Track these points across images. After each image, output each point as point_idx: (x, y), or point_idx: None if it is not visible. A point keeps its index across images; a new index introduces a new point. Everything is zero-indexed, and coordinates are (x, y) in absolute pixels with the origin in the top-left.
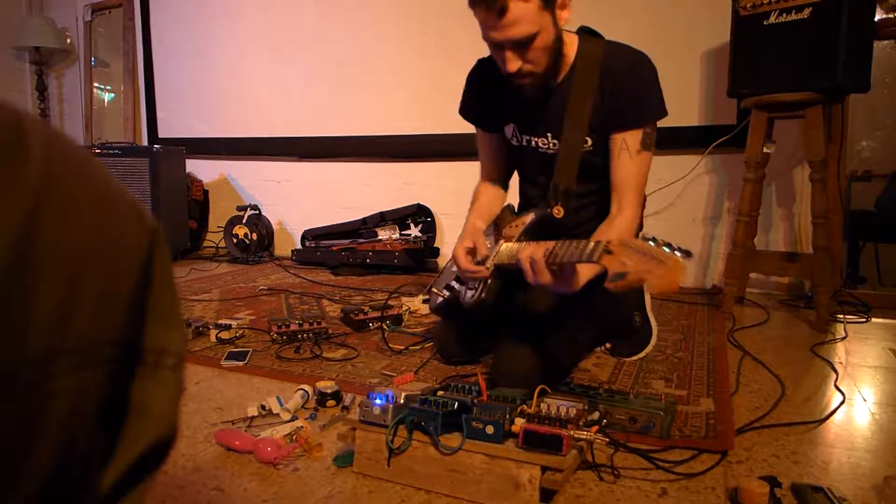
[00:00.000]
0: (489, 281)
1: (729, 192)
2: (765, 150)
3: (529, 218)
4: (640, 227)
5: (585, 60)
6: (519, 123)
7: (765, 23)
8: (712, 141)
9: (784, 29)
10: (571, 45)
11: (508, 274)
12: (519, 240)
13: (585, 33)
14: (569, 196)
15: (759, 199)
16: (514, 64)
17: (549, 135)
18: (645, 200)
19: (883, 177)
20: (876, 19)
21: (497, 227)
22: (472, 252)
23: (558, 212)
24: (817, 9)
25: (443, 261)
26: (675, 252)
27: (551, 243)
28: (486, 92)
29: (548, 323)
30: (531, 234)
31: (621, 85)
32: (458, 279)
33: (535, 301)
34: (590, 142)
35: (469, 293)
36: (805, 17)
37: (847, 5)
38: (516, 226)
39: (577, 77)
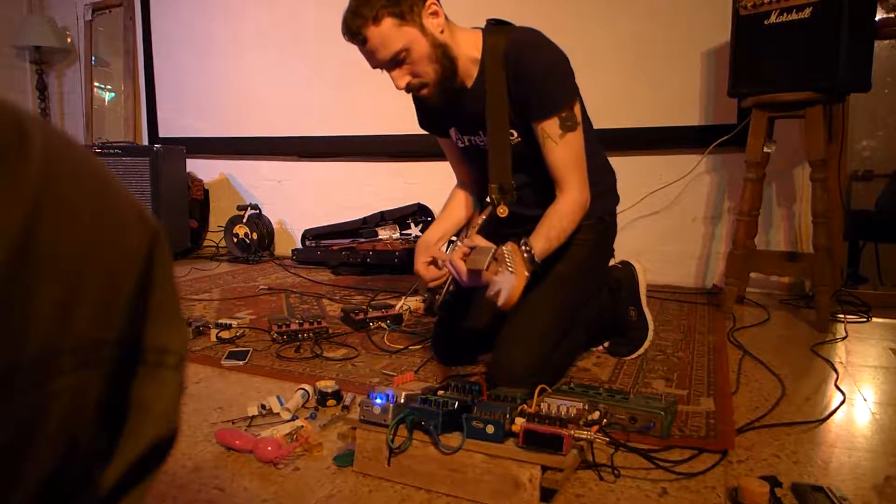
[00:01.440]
0: (449, 286)
1: (729, 191)
2: (765, 149)
3: (482, 218)
4: (616, 199)
5: (490, 55)
6: (457, 126)
7: (765, 22)
8: (713, 140)
9: (785, 28)
10: (474, 43)
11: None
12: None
13: (493, 25)
14: (507, 192)
15: (759, 198)
16: (401, 80)
17: (481, 132)
18: (614, 173)
19: (883, 176)
20: (877, 19)
21: (467, 225)
22: (434, 263)
23: (502, 211)
24: (818, 8)
25: None
26: (528, 265)
27: (475, 243)
28: (421, 102)
29: (532, 319)
30: (483, 232)
31: (522, 76)
32: (429, 289)
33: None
34: (515, 134)
35: (437, 297)
36: (806, 16)
37: (848, 5)
38: (474, 226)
39: (487, 73)
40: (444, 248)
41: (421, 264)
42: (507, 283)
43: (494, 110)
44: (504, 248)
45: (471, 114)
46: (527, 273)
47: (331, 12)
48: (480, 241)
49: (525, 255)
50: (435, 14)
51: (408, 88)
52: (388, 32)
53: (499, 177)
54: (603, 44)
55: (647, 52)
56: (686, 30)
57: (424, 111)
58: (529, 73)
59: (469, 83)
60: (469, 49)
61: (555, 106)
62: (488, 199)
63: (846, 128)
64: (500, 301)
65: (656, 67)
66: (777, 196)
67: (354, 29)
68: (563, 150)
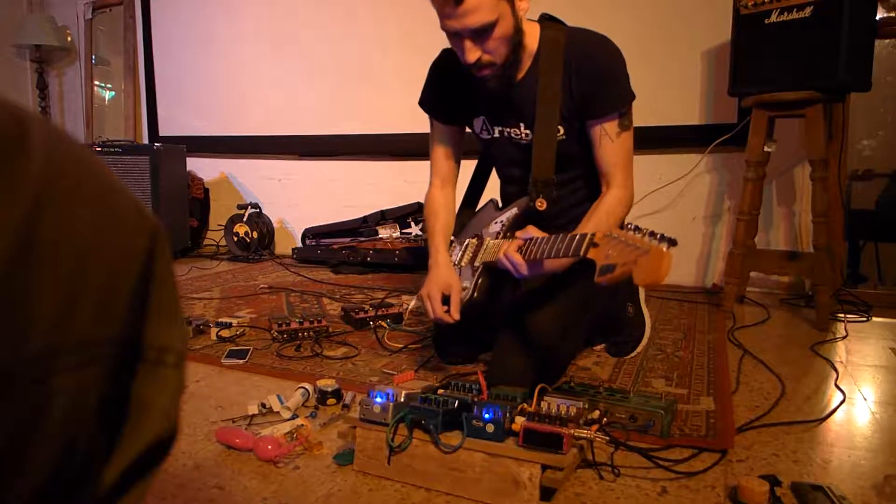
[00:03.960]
0: (479, 280)
1: (729, 190)
2: (765, 148)
3: (513, 212)
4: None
5: (548, 48)
6: (489, 115)
7: (766, 21)
8: (713, 140)
9: (785, 27)
10: (533, 34)
11: (497, 271)
12: (505, 236)
13: (547, 20)
14: (549, 187)
15: (759, 197)
16: (473, 54)
17: (521, 125)
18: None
19: (884, 176)
20: (877, 18)
21: (481, 222)
22: (446, 298)
23: (541, 204)
24: (818, 7)
25: None
26: (660, 241)
27: (531, 234)
28: (451, 83)
29: (538, 309)
30: (516, 228)
31: (586, 73)
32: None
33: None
34: (562, 130)
35: (463, 293)
36: (806, 15)
37: (848, 4)
38: (500, 222)
39: (541, 66)
40: (453, 253)
41: (437, 297)
42: (645, 262)
43: (546, 104)
44: (609, 231)
45: (515, 105)
46: (665, 248)
47: (331, 11)
48: (537, 232)
49: (646, 233)
50: None
51: (475, 64)
52: (488, 2)
53: (542, 171)
54: None
55: (647, 50)
56: (686, 29)
57: (450, 92)
58: (596, 70)
59: (520, 75)
60: (528, 39)
61: (618, 105)
62: (510, 193)
63: (846, 127)
64: (642, 281)
65: (656, 67)
66: (777, 195)
67: None
68: (618, 148)
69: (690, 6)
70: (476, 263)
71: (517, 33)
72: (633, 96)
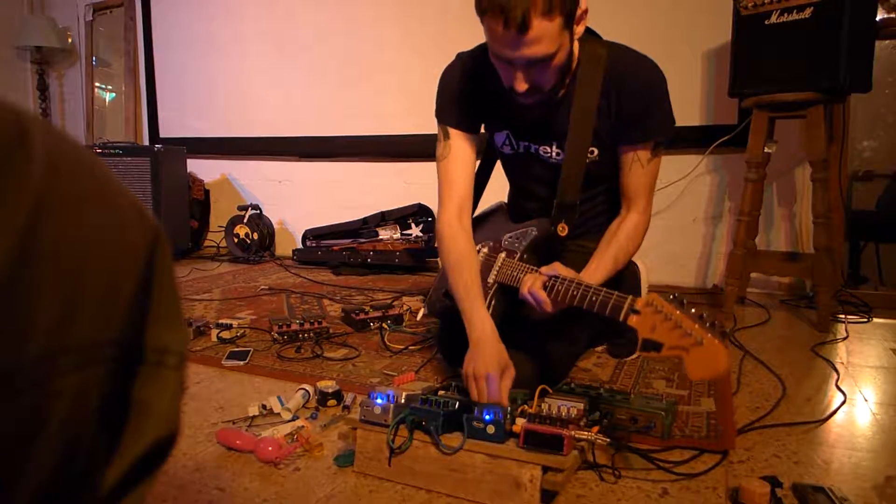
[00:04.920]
0: (493, 301)
1: (730, 191)
2: (766, 149)
3: (531, 233)
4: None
5: (588, 66)
6: (516, 130)
7: (766, 22)
8: (713, 141)
9: (785, 28)
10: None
11: (512, 291)
12: (521, 258)
13: (587, 34)
14: (573, 211)
15: (760, 198)
16: (523, 84)
17: (553, 143)
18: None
19: (884, 177)
20: (878, 19)
21: (492, 229)
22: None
23: (562, 230)
24: (819, 8)
25: None
26: (711, 330)
27: (557, 272)
28: (473, 93)
29: (548, 327)
30: (534, 251)
31: (629, 97)
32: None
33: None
34: (596, 152)
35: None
36: (806, 16)
37: (849, 5)
38: (517, 238)
39: (580, 84)
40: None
41: (496, 393)
42: (698, 354)
43: (579, 123)
44: (652, 300)
45: (548, 122)
46: (720, 343)
47: (331, 12)
48: (563, 271)
49: (696, 318)
50: (581, 21)
51: (526, 93)
52: (553, 32)
53: (568, 195)
54: None
55: (647, 51)
56: (686, 30)
57: (470, 103)
58: (639, 95)
59: (562, 91)
60: None
61: (658, 133)
62: (527, 211)
63: (847, 128)
64: (696, 377)
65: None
66: (778, 196)
67: (520, 11)
68: (646, 174)
69: (690, 7)
70: (489, 280)
71: (570, 60)
72: (673, 125)
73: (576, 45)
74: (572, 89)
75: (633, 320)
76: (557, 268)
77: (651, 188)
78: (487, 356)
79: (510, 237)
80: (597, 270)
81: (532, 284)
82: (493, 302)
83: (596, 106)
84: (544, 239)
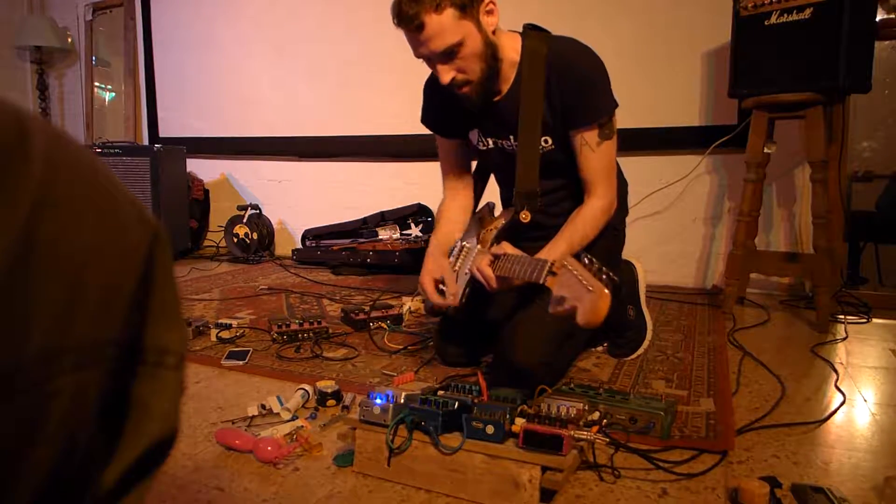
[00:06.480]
0: (466, 288)
1: (729, 192)
2: (765, 150)
3: (501, 223)
4: (625, 211)
5: (531, 59)
6: (482, 127)
7: (766, 23)
8: (713, 141)
9: (785, 29)
10: (514, 46)
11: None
12: (492, 245)
13: (531, 30)
14: (533, 199)
15: (759, 199)
16: (447, 75)
17: (511, 136)
18: (626, 185)
19: (883, 177)
20: (877, 20)
21: (480, 225)
22: (440, 282)
23: (525, 217)
24: (818, 9)
25: None
26: (604, 280)
27: (504, 251)
28: (444, 100)
29: (523, 340)
30: (505, 239)
31: (567, 84)
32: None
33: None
34: (549, 140)
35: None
36: (806, 17)
37: (848, 6)
38: (491, 230)
39: (524, 78)
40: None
41: (430, 284)
42: (588, 301)
43: (528, 116)
44: (564, 261)
45: (503, 117)
46: (606, 290)
47: (332, 12)
48: (510, 249)
49: (595, 271)
50: (490, 12)
51: (451, 84)
52: (448, 23)
53: (525, 183)
54: (603, 44)
55: (647, 52)
56: (686, 30)
57: (445, 108)
58: (576, 81)
59: (505, 87)
60: (509, 52)
61: (598, 115)
62: (511, 205)
63: (846, 128)
64: (583, 320)
65: (656, 68)
66: (777, 197)
67: (411, 14)
68: (598, 158)
69: (690, 8)
70: (465, 270)
71: (488, 47)
72: (613, 106)
73: (513, 37)
74: (519, 82)
75: (549, 281)
76: (505, 247)
77: (608, 172)
78: (425, 267)
79: (486, 230)
80: (549, 252)
81: (481, 262)
82: (466, 289)
83: (542, 97)
84: (511, 227)
